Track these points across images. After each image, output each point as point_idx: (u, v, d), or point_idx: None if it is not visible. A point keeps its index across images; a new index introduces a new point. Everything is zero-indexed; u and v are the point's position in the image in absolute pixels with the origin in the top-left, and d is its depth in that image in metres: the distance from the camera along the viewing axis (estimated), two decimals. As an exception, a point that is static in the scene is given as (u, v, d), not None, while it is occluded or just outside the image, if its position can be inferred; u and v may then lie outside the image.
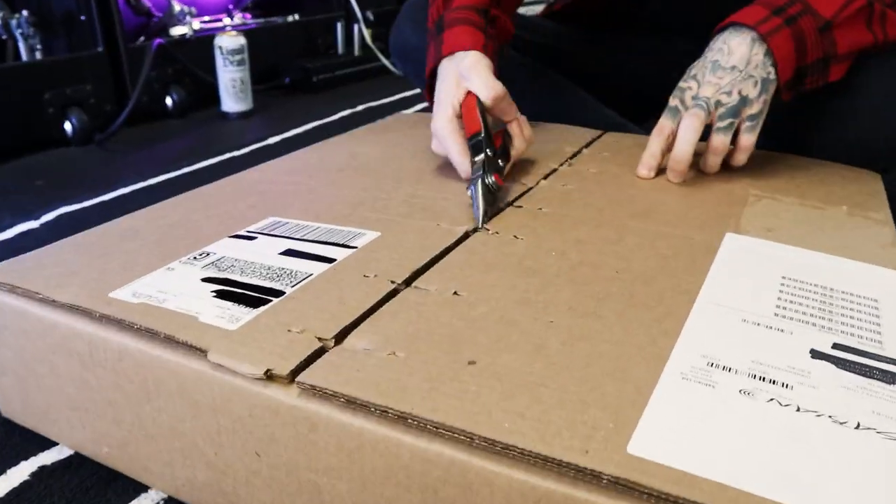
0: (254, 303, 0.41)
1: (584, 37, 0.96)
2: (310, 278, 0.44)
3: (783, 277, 0.46)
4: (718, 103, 0.61)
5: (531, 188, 0.62)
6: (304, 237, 0.51)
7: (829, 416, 0.32)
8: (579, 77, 0.93)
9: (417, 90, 1.69)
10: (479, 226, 0.52)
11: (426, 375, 0.34)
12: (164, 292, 0.43)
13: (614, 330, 0.38)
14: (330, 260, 0.47)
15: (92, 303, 0.42)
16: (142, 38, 1.46)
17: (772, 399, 0.34)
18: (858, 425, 0.32)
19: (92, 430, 0.45)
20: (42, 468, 0.47)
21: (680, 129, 0.62)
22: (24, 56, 1.27)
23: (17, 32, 1.26)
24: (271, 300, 0.41)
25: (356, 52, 1.86)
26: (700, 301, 0.42)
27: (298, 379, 0.34)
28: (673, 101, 0.65)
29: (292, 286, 0.43)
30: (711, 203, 0.58)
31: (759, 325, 0.40)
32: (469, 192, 0.56)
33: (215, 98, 1.47)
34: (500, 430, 0.30)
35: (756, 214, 0.56)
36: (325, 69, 1.73)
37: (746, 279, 0.45)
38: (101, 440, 0.45)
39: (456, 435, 0.30)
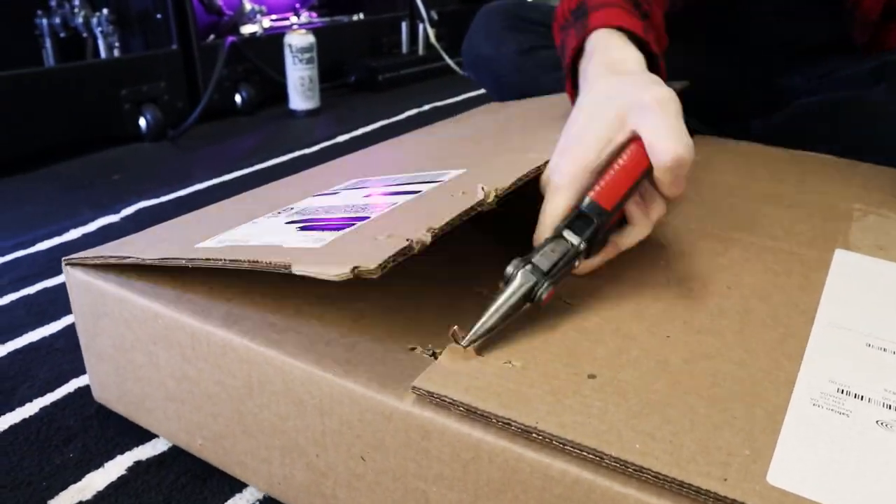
0: (338, 228, 0.40)
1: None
2: (395, 206, 0.43)
3: (904, 299, 0.44)
4: None
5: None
6: (390, 185, 0.51)
7: (984, 453, 0.30)
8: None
9: (484, 90, 1.68)
10: (463, 343, 0.35)
11: (548, 388, 0.33)
12: (249, 235, 0.43)
13: (735, 349, 0.37)
14: (415, 192, 0.46)
15: (179, 253, 0.42)
16: (212, 37, 1.49)
17: (913, 431, 0.32)
18: None
19: (188, 421, 0.46)
20: (138, 463, 0.48)
21: None
22: (103, 53, 1.31)
23: (98, 30, 1.30)
24: (355, 224, 0.41)
25: (420, 51, 1.86)
26: (819, 322, 0.40)
27: (415, 384, 0.33)
28: None
29: (377, 214, 0.42)
30: (816, 217, 0.55)
31: (885, 350, 0.38)
32: (506, 276, 0.37)
33: (283, 96, 1.49)
34: (632, 451, 0.29)
35: (864, 230, 0.54)
36: (390, 68, 1.73)
37: (865, 300, 0.43)
38: (197, 432, 0.45)
39: (584, 453, 0.29)
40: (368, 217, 0.41)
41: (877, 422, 0.32)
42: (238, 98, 1.48)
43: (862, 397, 0.34)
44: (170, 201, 0.98)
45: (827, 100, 0.78)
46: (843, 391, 0.34)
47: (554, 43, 0.73)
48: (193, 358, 0.43)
